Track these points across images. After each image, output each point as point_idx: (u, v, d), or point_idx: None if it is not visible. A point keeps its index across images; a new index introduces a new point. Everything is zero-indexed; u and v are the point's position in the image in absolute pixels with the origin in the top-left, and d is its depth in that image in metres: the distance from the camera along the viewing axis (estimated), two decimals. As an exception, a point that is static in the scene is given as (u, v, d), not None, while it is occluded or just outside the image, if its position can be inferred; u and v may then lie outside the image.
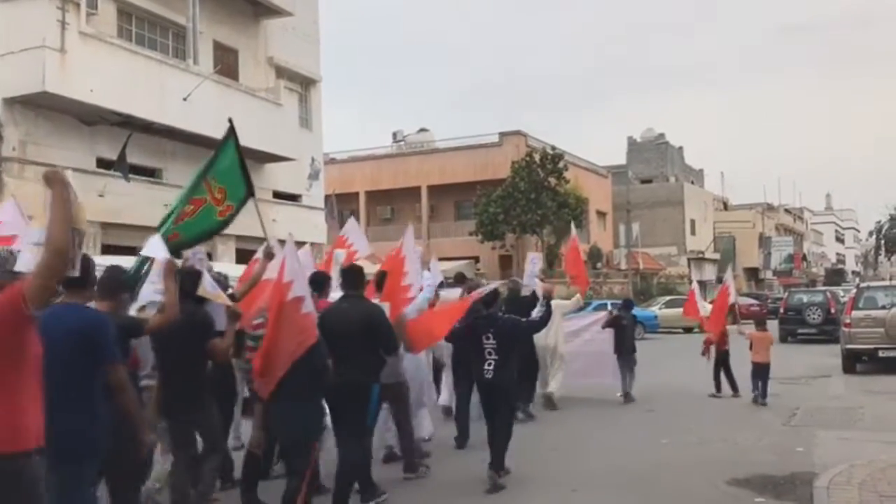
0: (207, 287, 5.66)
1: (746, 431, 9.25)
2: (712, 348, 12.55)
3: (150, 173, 16.98)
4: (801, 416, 10.43)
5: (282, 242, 6.00)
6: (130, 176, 15.22)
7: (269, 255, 6.49)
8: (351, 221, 10.75)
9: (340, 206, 29.53)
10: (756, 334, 11.91)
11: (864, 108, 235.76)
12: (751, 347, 11.86)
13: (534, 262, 10.50)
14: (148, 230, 17.04)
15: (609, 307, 13.74)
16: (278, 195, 20.83)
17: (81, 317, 3.89)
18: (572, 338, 11.75)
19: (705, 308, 13.60)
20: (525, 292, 10.13)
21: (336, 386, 5.58)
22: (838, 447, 8.09)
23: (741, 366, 12.27)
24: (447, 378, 9.41)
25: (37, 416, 3.03)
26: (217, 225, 6.08)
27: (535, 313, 7.89)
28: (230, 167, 6.08)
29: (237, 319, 5.70)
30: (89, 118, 15.36)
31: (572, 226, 13.53)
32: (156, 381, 5.39)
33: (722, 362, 12.50)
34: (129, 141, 15.25)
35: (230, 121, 6.42)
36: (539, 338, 9.46)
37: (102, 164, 15.52)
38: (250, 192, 6.22)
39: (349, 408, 5.86)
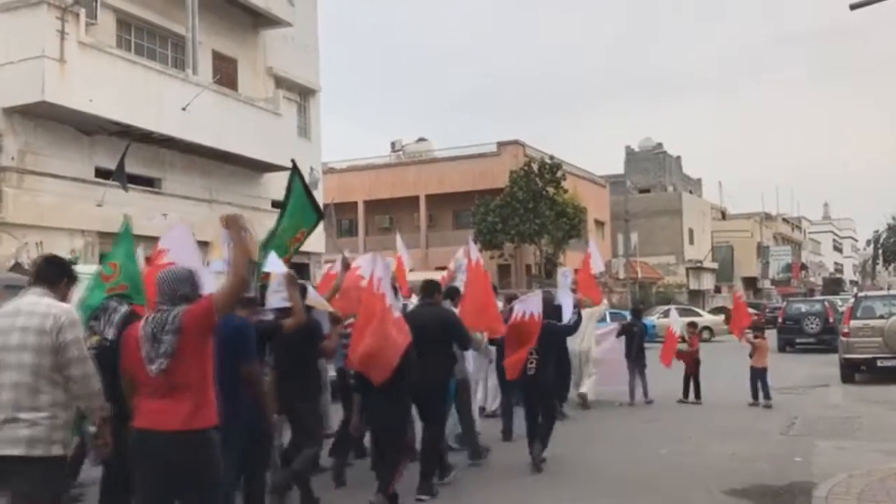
0: (313, 297, 6.62)
1: (745, 441, 9.24)
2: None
3: (149, 183, 16.99)
4: (799, 425, 10.43)
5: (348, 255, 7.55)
6: (129, 185, 15.23)
7: (346, 266, 7.46)
8: (592, 243, 12.64)
9: (339, 215, 29.61)
10: (757, 342, 12.61)
11: (863, 118, 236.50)
12: (751, 354, 12.49)
13: (565, 275, 10.95)
14: (146, 240, 17.00)
15: (628, 317, 14.20)
16: (277, 205, 20.75)
17: (234, 325, 4.83)
18: (597, 344, 12.56)
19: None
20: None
21: (421, 379, 6.36)
22: (837, 457, 8.09)
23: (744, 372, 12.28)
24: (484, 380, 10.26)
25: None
26: (297, 248, 7.14)
27: (566, 319, 8.77)
28: (301, 200, 7.11)
29: (339, 323, 6.79)
30: (88, 128, 15.38)
31: (591, 245, 13.40)
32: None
33: (693, 370, 12.99)
34: (128, 151, 15.26)
35: (293, 161, 7.70)
36: (573, 342, 10.30)
37: (101, 173, 15.53)
38: (319, 217, 7.26)
39: (432, 397, 6.75)
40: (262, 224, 19.63)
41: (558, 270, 12.27)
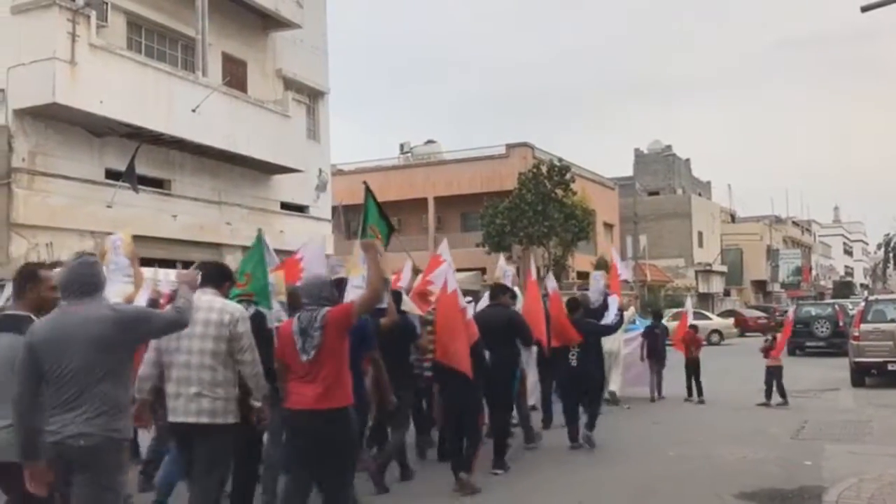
0: (407, 302, 7.59)
1: (754, 444, 9.20)
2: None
3: (159, 184, 17.04)
4: (809, 429, 10.38)
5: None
6: (139, 187, 15.29)
7: (416, 271, 8.81)
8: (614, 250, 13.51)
9: (347, 217, 29.59)
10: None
11: (872, 121, 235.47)
12: (766, 355, 12.84)
13: (597, 278, 11.96)
14: (155, 241, 17.02)
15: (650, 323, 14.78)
16: (286, 206, 20.89)
17: (360, 323, 5.55)
18: (625, 347, 13.16)
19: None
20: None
21: (491, 369, 7.40)
22: (847, 461, 8.04)
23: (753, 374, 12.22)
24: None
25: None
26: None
27: (610, 320, 9.74)
28: (377, 215, 7.92)
29: (428, 325, 7.74)
30: (98, 129, 15.44)
31: (613, 252, 14.27)
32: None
33: (694, 369, 13.45)
34: (138, 152, 15.31)
35: (365, 183, 8.40)
36: (606, 342, 10.75)
37: (111, 175, 15.59)
38: (391, 229, 8.17)
39: (500, 385, 7.77)
40: (271, 225, 19.85)
41: (591, 274, 13.32)
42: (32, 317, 4.10)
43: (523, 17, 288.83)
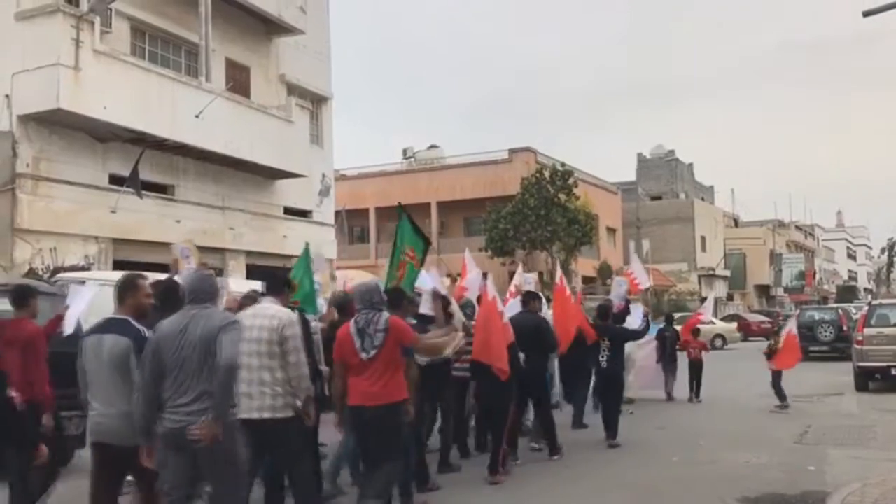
0: (455, 310, 7.90)
1: (757, 449, 9.19)
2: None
3: (163, 190, 17.08)
4: (812, 433, 10.37)
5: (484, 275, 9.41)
6: (142, 192, 15.31)
7: (452, 278, 9.49)
8: (634, 257, 13.92)
9: (351, 222, 29.63)
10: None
11: (876, 125, 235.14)
12: (770, 358, 13.24)
13: (620, 284, 12.22)
14: (159, 246, 17.02)
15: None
16: (289, 211, 20.92)
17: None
18: (639, 350, 13.61)
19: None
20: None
21: (526, 370, 8.11)
22: (851, 466, 8.04)
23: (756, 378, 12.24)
24: None
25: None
26: (417, 273, 8.21)
27: (637, 325, 10.88)
28: (411, 233, 8.27)
29: (467, 332, 7.96)
30: (102, 135, 15.48)
31: (633, 260, 14.86)
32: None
33: (696, 371, 14.09)
34: (142, 158, 15.34)
35: (400, 204, 8.85)
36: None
37: (115, 180, 15.62)
38: (427, 243, 8.42)
39: (534, 384, 8.51)
40: (274, 230, 19.88)
41: (614, 280, 14.35)
42: (131, 320, 4.81)
43: (525, 20, 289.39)
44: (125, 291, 4.94)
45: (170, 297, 5.23)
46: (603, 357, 9.89)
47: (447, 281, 9.64)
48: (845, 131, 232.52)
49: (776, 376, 12.94)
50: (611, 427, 9.64)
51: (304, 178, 20.34)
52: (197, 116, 16.21)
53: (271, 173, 19.43)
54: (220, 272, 17.76)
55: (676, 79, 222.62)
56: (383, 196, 39.69)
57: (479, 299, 8.71)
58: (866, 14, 10.22)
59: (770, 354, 13.18)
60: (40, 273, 13.38)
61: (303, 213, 21.54)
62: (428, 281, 8.37)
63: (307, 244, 7.59)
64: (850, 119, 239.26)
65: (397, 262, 8.05)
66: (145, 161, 15.54)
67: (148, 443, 4.48)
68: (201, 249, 17.60)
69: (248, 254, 18.89)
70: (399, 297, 6.52)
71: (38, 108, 14.07)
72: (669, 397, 14.08)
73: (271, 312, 5.48)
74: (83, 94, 14.18)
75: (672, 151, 59.44)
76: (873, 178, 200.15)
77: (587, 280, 38.06)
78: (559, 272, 11.28)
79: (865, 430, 10.56)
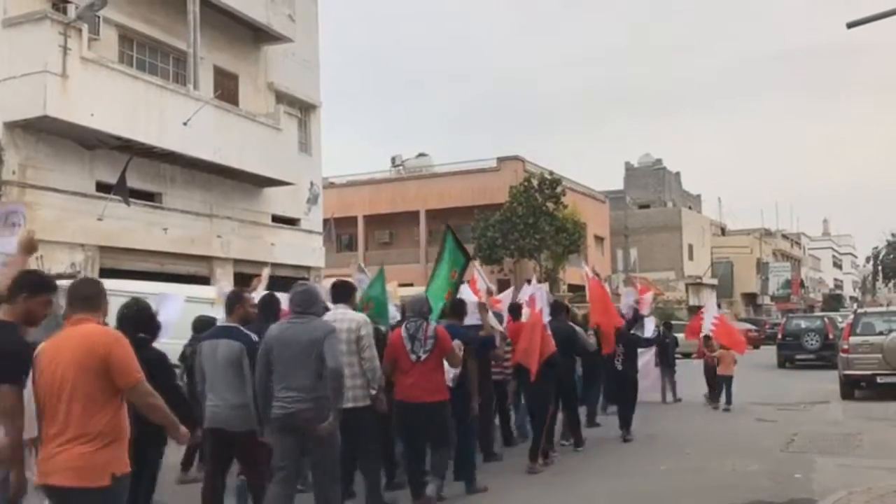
0: (492, 323, 8.68)
1: (744, 457, 9.22)
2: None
3: (150, 197, 17.01)
4: (799, 442, 10.40)
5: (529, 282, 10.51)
6: (130, 200, 15.26)
7: (489, 293, 10.51)
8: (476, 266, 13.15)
9: (339, 230, 29.58)
10: (723, 352, 14.16)
11: (861, 135, 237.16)
12: (717, 363, 14.09)
13: (629, 295, 12.89)
14: (146, 254, 16.97)
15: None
16: (277, 219, 20.89)
17: (456, 331, 7.48)
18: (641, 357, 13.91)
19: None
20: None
21: (561, 371, 8.95)
22: (837, 473, 8.06)
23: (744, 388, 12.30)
24: None
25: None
26: (456, 287, 9.05)
27: (650, 335, 12.31)
28: (456, 252, 9.07)
29: (504, 340, 9.22)
30: (89, 142, 15.42)
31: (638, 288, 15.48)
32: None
33: (712, 376, 14.53)
34: (129, 165, 15.29)
35: (448, 226, 9.71)
36: None
37: (102, 187, 15.56)
38: (467, 259, 9.27)
39: (566, 384, 9.32)
40: (262, 238, 19.84)
41: (623, 290, 15.39)
42: (240, 327, 5.79)
43: (513, 29, 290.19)
44: (234, 303, 5.98)
45: (269, 308, 6.46)
46: (618, 360, 10.83)
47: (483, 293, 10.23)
48: (832, 140, 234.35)
49: (728, 380, 13.76)
50: (626, 424, 10.68)
51: (293, 185, 20.32)
52: (185, 124, 16.18)
53: (259, 181, 19.40)
54: (207, 281, 17.74)
55: (664, 88, 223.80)
56: (372, 204, 39.73)
57: (512, 308, 10.09)
58: (850, 25, 10.31)
59: (717, 360, 14.03)
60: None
61: (291, 221, 21.51)
62: (469, 294, 9.58)
63: (382, 266, 8.96)
64: (837, 128, 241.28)
65: (444, 283, 8.93)
66: (132, 169, 15.49)
67: (264, 426, 5.48)
68: (188, 258, 17.64)
69: (236, 262, 18.84)
70: (462, 308, 8.07)
71: (24, 115, 14.01)
72: (665, 400, 14.79)
73: (349, 316, 6.43)
74: (70, 101, 14.13)
75: (660, 160, 59.71)
76: (859, 187, 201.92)
77: (574, 288, 38.14)
78: (590, 273, 12.18)
79: (851, 437, 10.61)
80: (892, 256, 68.79)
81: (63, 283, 8.30)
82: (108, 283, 7.58)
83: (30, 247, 5.18)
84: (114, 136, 15.24)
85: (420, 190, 39.22)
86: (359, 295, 7.53)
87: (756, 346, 30.21)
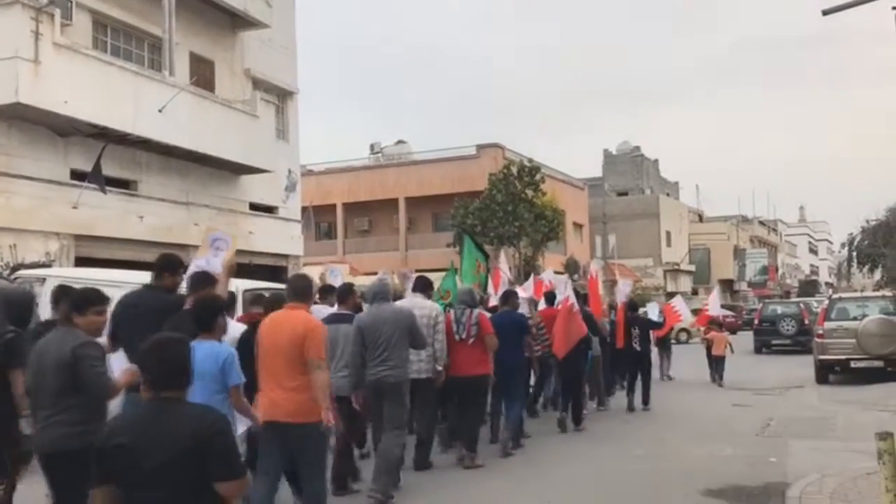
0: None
1: (721, 442, 9.32)
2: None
3: (125, 185, 16.81)
4: (774, 426, 10.54)
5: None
6: (106, 188, 15.07)
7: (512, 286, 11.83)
8: (501, 256, 16.11)
9: (318, 218, 29.45)
10: (716, 335, 16.13)
11: (837, 122, 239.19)
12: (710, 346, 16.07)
13: (626, 285, 14.91)
14: (122, 242, 16.76)
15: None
16: (255, 207, 20.74)
17: (513, 317, 9.32)
18: None
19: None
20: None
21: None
22: (811, 457, 8.18)
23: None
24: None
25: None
26: (486, 277, 11.24)
27: (656, 318, 14.37)
28: (476, 250, 11.12)
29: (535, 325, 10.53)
30: (63, 129, 15.21)
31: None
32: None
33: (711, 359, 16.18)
34: (104, 152, 15.10)
35: (465, 230, 11.04)
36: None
37: (76, 175, 15.34)
38: (485, 255, 11.44)
39: (579, 361, 10.70)
40: (240, 226, 19.67)
41: (619, 281, 16.84)
42: (353, 314, 7.32)
43: (495, 19, 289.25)
44: (346, 295, 7.75)
45: (345, 295, 7.80)
46: (635, 342, 12.47)
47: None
48: (807, 128, 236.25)
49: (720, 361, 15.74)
50: (646, 398, 12.35)
51: (270, 173, 20.17)
52: (160, 111, 15.98)
53: (236, 168, 19.24)
54: (185, 268, 17.57)
55: (642, 77, 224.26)
56: (350, 192, 39.52)
57: (548, 296, 11.73)
58: (826, 13, 10.36)
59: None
60: (0, 270, 13.12)
61: (269, 209, 21.38)
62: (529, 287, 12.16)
63: (452, 262, 10.98)
64: (812, 116, 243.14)
65: (471, 277, 10.76)
66: (107, 156, 15.29)
67: (360, 389, 6.96)
68: (165, 246, 17.43)
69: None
70: (515, 297, 9.63)
71: (-4, 101, 13.77)
72: (662, 378, 16.11)
73: (428, 304, 7.93)
74: (43, 87, 13.91)
75: (638, 148, 59.84)
76: (834, 174, 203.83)
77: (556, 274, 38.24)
78: (594, 267, 14.27)
79: (825, 421, 10.76)
80: (866, 242, 69.47)
81: (38, 273, 8.20)
82: (83, 273, 7.52)
83: (231, 269, 6.31)
84: (88, 123, 15.03)
85: (399, 177, 39.06)
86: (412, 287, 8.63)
87: (733, 332, 30.50)
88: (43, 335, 4.82)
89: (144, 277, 9.96)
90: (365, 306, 7.48)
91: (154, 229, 17.02)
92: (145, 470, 2.90)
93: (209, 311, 5.04)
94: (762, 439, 9.64)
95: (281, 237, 21.24)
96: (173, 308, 5.35)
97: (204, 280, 5.70)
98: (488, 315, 8.70)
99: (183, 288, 5.87)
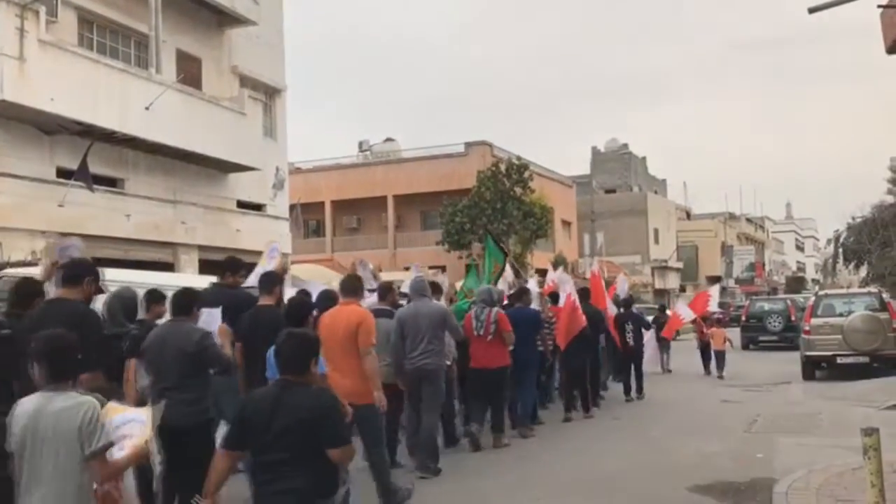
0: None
1: (709, 438, 9.36)
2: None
3: (112, 183, 16.72)
4: (761, 422, 10.59)
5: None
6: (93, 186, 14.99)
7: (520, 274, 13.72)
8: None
9: (306, 215, 29.35)
10: (715, 330, 17.02)
11: (824, 120, 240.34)
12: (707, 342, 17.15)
13: (624, 281, 16.42)
14: (109, 240, 16.67)
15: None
16: (242, 205, 20.67)
17: (528, 313, 10.08)
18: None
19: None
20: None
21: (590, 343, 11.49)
22: (797, 453, 8.22)
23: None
24: None
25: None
26: (499, 275, 11.62)
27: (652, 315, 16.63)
28: (496, 251, 11.84)
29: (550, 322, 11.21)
30: (49, 127, 15.11)
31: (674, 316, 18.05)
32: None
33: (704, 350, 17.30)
34: (90, 150, 15.01)
35: (488, 230, 11.45)
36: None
37: (62, 173, 15.25)
38: (505, 254, 12.02)
39: (582, 352, 11.11)
40: (228, 224, 19.62)
41: (618, 278, 17.58)
42: (392, 310, 8.05)
43: (483, 16, 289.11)
44: (386, 293, 8.36)
45: (385, 292, 8.41)
46: (629, 337, 13.09)
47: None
48: (794, 125, 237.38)
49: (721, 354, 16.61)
50: (640, 388, 13.15)
51: (258, 171, 20.11)
52: (147, 109, 15.91)
53: (224, 166, 19.18)
54: (172, 267, 17.51)
55: (629, 74, 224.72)
56: (339, 189, 39.42)
57: (552, 295, 11.96)
58: (812, 10, 10.39)
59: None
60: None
61: (257, 207, 21.31)
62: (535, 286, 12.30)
63: (472, 259, 11.07)
64: (799, 114, 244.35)
65: (489, 276, 11.46)
66: (94, 154, 15.21)
67: (401, 376, 7.68)
68: (152, 244, 17.39)
69: (201, 248, 18.62)
70: (528, 294, 10.37)
71: (-20, 99, 13.66)
72: (663, 371, 17.20)
73: (438, 305, 8.50)
74: (28, 85, 13.82)
75: (626, 145, 60.01)
76: (821, 171, 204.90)
77: (542, 272, 38.32)
78: (595, 265, 15.11)
79: (812, 417, 10.82)
80: (852, 239, 69.88)
81: (23, 271, 8.21)
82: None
83: (283, 273, 7.63)
84: (74, 121, 14.94)
85: (388, 175, 39.00)
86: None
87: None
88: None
89: (132, 276, 9.96)
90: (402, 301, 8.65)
91: (141, 227, 16.94)
92: (272, 435, 3.62)
93: (300, 309, 6.11)
94: (749, 435, 9.69)
95: (269, 235, 21.10)
96: (245, 305, 6.53)
97: (274, 279, 6.76)
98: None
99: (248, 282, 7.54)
